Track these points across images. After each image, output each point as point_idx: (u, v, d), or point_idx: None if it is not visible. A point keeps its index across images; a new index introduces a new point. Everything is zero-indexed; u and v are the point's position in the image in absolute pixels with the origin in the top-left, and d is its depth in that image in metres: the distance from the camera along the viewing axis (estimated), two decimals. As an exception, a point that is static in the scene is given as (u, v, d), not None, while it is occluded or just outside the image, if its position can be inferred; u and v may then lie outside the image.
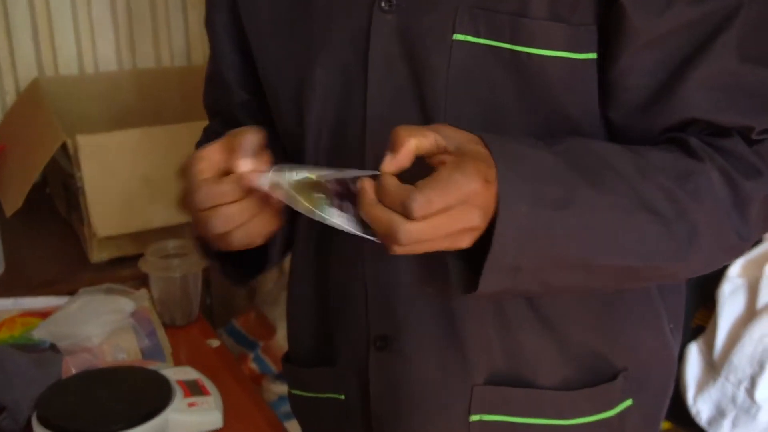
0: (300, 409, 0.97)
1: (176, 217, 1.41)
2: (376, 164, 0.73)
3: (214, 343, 1.18)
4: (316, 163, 0.79)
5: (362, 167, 0.74)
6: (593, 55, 0.68)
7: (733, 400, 1.43)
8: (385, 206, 0.59)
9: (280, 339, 1.69)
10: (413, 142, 0.59)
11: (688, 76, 0.67)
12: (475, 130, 0.69)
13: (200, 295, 1.24)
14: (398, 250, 0.60)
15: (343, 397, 0.86)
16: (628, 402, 0.79)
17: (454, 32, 0.68)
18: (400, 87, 0.72)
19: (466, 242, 0.61)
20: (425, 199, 0.57)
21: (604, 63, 0.69)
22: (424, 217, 0.57)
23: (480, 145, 0.61)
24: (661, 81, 0.68)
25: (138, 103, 1.70)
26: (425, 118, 0.71)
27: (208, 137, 0.91)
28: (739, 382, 1.42)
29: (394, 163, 0.59)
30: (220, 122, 0.95)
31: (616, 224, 0.63)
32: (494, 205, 0.60)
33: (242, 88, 0.91)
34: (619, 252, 0.64)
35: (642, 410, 0.81)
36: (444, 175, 0.58)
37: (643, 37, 0.66)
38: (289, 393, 0.97)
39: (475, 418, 0.77)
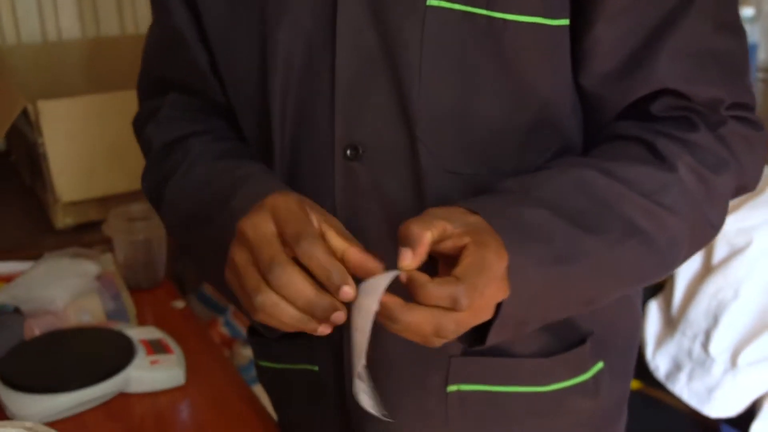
0: (269, 381, 0.94)
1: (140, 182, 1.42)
2: (345, 138, 0.70)
3: (179, 304, 1.19)
4: (283, 139, 0.75)
5: (330, 142, 0.71)
6: (566, 22, 0.67)
7: (689, 354, 1.46)
8: (425, 305, 0.56)
9: (250, 304, 1.71)
10: (429, 236, 0.57)
11: (662, 43, 0.66)
12: (449, 99, 0.68)
13: (165, 258, 1.25)
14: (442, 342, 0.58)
15: (316, 368, 0.83)
16: (600, 364, 0.80)
17: None
18: (371, 57, 0.69)
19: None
20: (473, 288, 0.55)
21: (578, 31, 0.68)
22: (470, 305, 0.56)
23: (477, 217, 0.60)
24: (635, 48, 0.67)
25: (102, 71, 1.69)
26: (398, 90, 0.69)
27: (165, 118, 0.85)
28: (695, 336, 1.45)
29: (416, 260, 0.57)
30: (180, 96, 0.86)
31: (612, 260, 0.65)
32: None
33: (205, 47, 0.82)
34: (617, 282, 0.67)
35: (612, 371, 0.82)
36: (478, 259, 0.57)
37: (620, 3, 0.66)
38: (257, 365, 0.94)
39: (452, 388, 0.77)
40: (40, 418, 0.88)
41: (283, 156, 0.76)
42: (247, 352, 1.76)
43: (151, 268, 1.23)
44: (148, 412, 0.94)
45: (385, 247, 0.70)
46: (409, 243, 0.57)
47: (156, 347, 1.00)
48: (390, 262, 0.59)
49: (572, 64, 0.70)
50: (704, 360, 1.44)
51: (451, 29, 0.67)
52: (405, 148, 0.70)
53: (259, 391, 1.01)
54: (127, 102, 1.36)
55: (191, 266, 1.81)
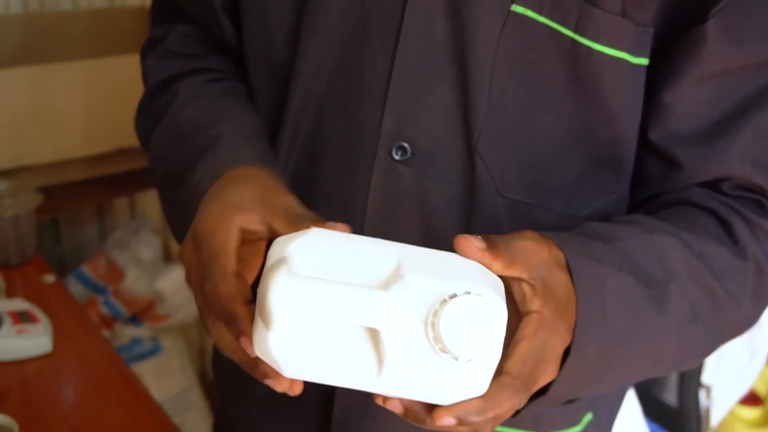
0: (229, 378, 0.83)
1: (8, 161, 1.42)
2: (395, 135, 0.62)
3: (49, 278, 1.21)
4: (302, 116, 0.67)
5: (374, 136, 0.64)
6: (645, 61, 0.62)
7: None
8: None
9: (129, 283, 1.72)
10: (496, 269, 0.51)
11: (747, 120, 0.62)
12: (515, 115, 0.62)
13: (35, 233, 1.26)
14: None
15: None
16: (589, 416, 0.78)
17: (513, 1, 0.60)
18: (438, 48, 0.62)
19: None
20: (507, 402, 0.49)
21: (659, 83, 0.63)
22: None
23: (566, 278, 0.54)
24: (715, 118, 0.63)
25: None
26: (463, 91, 0.62)
27: (166, 52, 0.77)
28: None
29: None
30: (187, 28, 0.77)
31: (668, 342, 0.61)
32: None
33: None
34: (663, 363, 0.63)
35: (598, 423, 0.80)
36: (536, 350, 0.51)
37: (716, 67, 0.61)
38: (219, 356, 0.85)
39: None
40: None
41: (297, 134, 0.68)
42: (128, 332, 1.77)
43: (20, 244, 1.24)
44: (15, 379, 0.96)
45: None
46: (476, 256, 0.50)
47: (23, 317, 1.02)
48: None
49: (644, 114, 0.65)
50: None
51: (531, 41, 0.61)
52: (461, 157, 0.64)
53: (137, 369, 1.04)
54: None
55: (73, 246, 1.82)
